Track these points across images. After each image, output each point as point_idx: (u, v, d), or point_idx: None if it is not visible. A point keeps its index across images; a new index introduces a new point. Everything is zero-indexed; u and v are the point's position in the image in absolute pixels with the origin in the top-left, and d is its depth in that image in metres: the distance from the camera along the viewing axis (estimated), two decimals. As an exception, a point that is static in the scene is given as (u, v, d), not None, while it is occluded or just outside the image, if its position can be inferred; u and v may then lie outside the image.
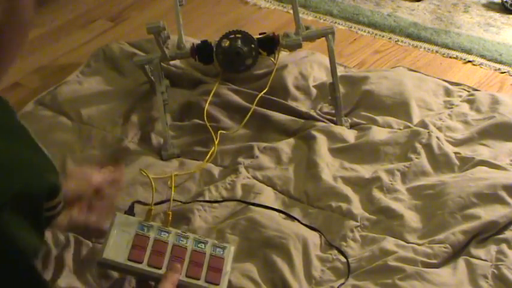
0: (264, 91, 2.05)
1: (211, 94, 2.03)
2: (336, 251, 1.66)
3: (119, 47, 2.32)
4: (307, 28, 2.01)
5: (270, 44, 1.98)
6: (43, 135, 1.99)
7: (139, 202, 1.64)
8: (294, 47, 1.98)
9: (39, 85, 2.26)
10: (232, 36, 1.93)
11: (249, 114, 1.98)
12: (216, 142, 1.93)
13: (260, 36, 1.99)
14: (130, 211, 1.58)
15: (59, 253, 1.67)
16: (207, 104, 2.01)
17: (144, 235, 1.49)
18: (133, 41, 2.36)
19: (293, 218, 1.72)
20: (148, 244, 1.47)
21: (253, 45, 1.94)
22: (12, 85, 2.29)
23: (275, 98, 2.08)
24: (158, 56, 1.98)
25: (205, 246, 1.51)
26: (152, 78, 2.05)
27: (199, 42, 2.00)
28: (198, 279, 1.44)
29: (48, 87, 2.20)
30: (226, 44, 1.94)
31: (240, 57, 1.94)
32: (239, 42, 1.93)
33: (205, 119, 1.97)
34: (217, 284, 1.45)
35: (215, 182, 1.84)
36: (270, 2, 2.69)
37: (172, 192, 1.67)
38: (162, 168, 1.87)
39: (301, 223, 1.70)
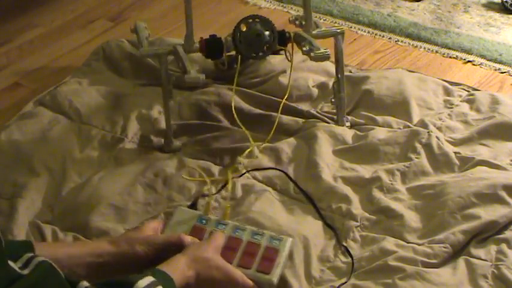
0: (285, 97, 2.03)
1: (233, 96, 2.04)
2: (336, 251, 1.66)
3: (118, 45, 2.32)
4: (316, 26, 2.00)
5: (281, 36, 1.94)
6: (43, 135, 2.00)
7: (203, 195, 1.72)
8: (322, 59, 1.88)
9: (39, 85, 2.26)
10: (251, 20, 1.91)
11: (275, 125, 1.98)
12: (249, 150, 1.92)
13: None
14: (192, 205, 1.68)
15: (59, 253, 1.67)
16: (232, 105, 1.98)
17: (201, 227, 1.57)
18: (132, 39, 2.35)
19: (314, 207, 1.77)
20: (203, 236, 1.55)
21: (272, 29, 1.91)
22: (12, 85, 2.29)
23: (275, 98, 2.09)
24: (167, 49, 1.97)
25: (261, 237, 1.57)
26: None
27: (207, 37, 1.98)
28: (249, 268, 1.49)
29: (48, 87, 2.20)
30: (245, 29, 1.90)
31: (260, 40, 1.89)
32: (258, 25, 1.90)
33: (238, 121, 1.94)
34: (268, 273, 1.49)
35: (215, 182, 1.84)
36: (270, 2, 2.69)
37: (230, 188, 1.73)
38: (162, 168, 1.87)
39: (320, 216, 1.74)
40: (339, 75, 1.99)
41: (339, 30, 1.99)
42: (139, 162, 1.91)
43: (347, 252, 1.64)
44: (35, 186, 1.83)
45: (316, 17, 2.59)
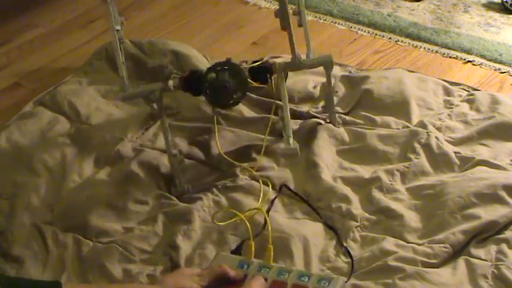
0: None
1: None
2: (336, 251, 1.66)
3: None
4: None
5: (262, 72, 1.87)
6: (43, 135, 2.00)
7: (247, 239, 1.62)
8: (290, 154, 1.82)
9: (39, 85, 2.27)
10: (219, 68, 1.81)
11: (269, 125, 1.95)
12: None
13: (253, 64, 1.89)
14: (237, 250, 1.61)
15: (59, 253, 1.67)
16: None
17: (242, 272, 1.50)
18: (135, 39, 2.35)
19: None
20: (245, 281, 1.47)
21: (242, 77, 1.81)
22: (12, 85, 2.29)
23: (272, 100, 2.09)
24: (158, 87, 1.87)
25: (308, 279, 1.49)
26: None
27: (187, 73, 1.89)
28: None
29: (48, 87, 2.20)
30: (213, 77, 1.81)
31: (227, 91, 1.80)
32: (226, 74, 1.80)
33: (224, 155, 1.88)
34: None
35: (215, 183, 1.84)
36: (270, 2, 2.69)
37: (269, 226, 1.63)
38: (163, 167, 1.87)
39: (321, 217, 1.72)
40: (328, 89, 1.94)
41: (327, 59, 1.91)
42: (138, 160, 1.91)
43: (347, 253, 1.64)
44: (35, 186, 1.83)
45: (316, 17, 2.60)
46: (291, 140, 1.78)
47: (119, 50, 1.87)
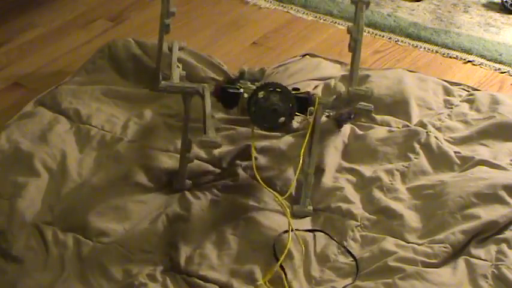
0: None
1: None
2: (336, 251, 1.66)
3: (124, 45, 2.31)
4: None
5: (304, 103, 1.81)
6: (43, 135, 1.99)
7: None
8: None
9: (39, 85, 2.26)
10: (271, 89, 1.75)
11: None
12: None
13: (295, 92, 1.83)
14: None
15: (59, 253, 1.67)
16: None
17: None
18: (139, 39, 2.34)
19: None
20: None
21: (292, 104, 1.75)
22: (12, 85, 2.29)
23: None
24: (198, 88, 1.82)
25: None
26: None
27: (225, 83, 1.86)
28: None
29: (48, 88, 2.20)
30: (262, 96, 1.75)
31: (276, 115, 1.74)
32: (278, 97, 1.74)
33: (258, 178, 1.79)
34: None
35: (215, 182, 1.84)
36: (270, 2, 2.69)
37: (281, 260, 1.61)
38: (163, 167, 1.87)
39: (327, 234, 1.70)
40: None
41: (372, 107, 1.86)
42: (138, 158, 1.91)
43: (350, 255, 1.64)
44: (35, 186, 1.83)
45: (316, 17, 2.60)
46: (308, 201, 1.76)
47: (162, 41, 1.87)
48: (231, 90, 1.84)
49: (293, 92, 1.80)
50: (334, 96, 1.84)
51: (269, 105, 1.74)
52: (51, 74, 2.34)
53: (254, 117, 1.76)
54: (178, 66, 1.92)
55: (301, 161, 1.75)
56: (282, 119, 1.75)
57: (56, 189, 1.84)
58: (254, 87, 1.80)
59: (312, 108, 1.81)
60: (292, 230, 1.65)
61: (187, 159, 1.82)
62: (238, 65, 2.22)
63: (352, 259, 1.64)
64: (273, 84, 1.76)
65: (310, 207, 1.76)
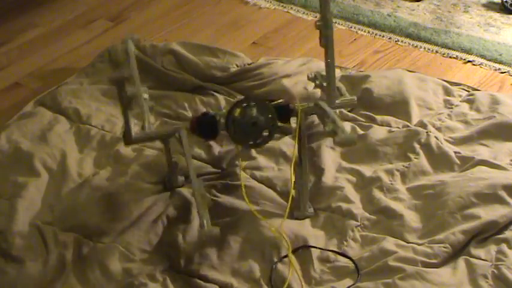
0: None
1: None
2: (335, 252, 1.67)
3: (123, 49, 2.31)
4: (340, 93, 1.81)
5: (284, 112, 1.73)
6: (43, 135, 2.00)
7: None
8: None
9: (39, 85, 2.27)
10: (246, 104, 1.68)
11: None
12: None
13: (273, 103, 1.73)
14: None
15: (59, 253, 1.67)
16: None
17: None
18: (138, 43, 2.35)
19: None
20: None
21: (271, 114, 1.68)
22: (12, 85, 2.29)
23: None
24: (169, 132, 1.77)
25: None
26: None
27: (199, 115, 1.74)
28: None
29: (48, 87, 2.20)
30: (238, 114, 1.67)
31: (257, 129, 1.67)
32: (255, 111, 1.67)
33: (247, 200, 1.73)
34: None
35: (214, 182, 1.84)
36: (270, 2, 2.69)
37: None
38: (163, 167, 1.87)
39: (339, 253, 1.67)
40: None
41: (355, 98, 1.86)
42: (138, 160, 1.91)
43: (352, 262, 1.63)
44: (35, 186, 1.83)
45: (316, 17, 2.59)
46: (307, 206, 1.73)
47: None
48: (207, 120, 1.72)
49: (273, 103, 1.72)
50: (314, 103, 1.76)
51: (248, 120, 1.66)
52: (51, 74, 2.34)
53: (236, 137, 1.68)
54: (145, 99, 1.80)
55: (293, 178, 1.70)
56: (266, 132, 1.68)
57: (56, 189, 1.84)
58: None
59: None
60: (286, 256, 1.63)
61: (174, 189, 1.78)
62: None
63: (353, 258, 1.64)
64: (247, 99, 1.69)
65: (311, 209, 1.75)
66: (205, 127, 1.72)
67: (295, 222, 1.72)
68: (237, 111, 1.66)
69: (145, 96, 1.77)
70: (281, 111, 1.71)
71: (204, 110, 2.06)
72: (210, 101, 2.11)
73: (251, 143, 1.70)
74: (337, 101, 1.84)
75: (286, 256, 1.63)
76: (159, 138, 1.78)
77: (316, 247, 1.66)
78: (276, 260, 1.63)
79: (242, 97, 1.71)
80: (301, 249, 1.66)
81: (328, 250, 1.66)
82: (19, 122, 2.05)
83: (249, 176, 1.86)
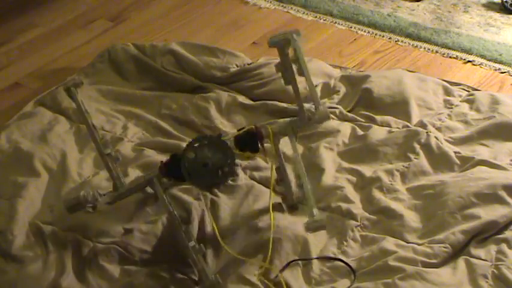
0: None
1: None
2: (336, 252, 1.66)
3: (123, 48, 2.31)
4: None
5: (251, 140, 1.64)
6: (43, 135, 2.00)
7: None
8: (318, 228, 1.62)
9: (39, 85, 2.27)
10: (197, 144, 1.60)
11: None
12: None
13: (239, 132, 1.66)
14: None
15: (59, 253, 1.67)
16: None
17: None
18: (138, 43, 2.34)
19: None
20: None
21: (225, 149, 1.60)
22: (12, 85, 2.30)
23: (274, 102, 2.09)
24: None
25: None
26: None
27: (168, 158, 1.65)
28: None
29: (48, 87, 2.20)
30: (192, 156, 1.59)
31: (209, 169, 1.59)
32: (205, 150, 1.59)
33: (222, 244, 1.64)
34: None
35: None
36: (270, 2, 2.69)
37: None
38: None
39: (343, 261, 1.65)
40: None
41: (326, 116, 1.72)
42: (138, 160, 1.91)
43: (350, 268, 1.63)
44: (35, 186, 1.83)
45: (316, 17, 2.60)
46: (315, 211, 1.59)
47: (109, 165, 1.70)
48: (174, 163, 1.63)
49: (236, 133, 1.65)
50: (288, 120, 1.69)
51: (199, 161, 1.58)
52: (51, 74, 2.34)
53: (193, 181, 1.60)
54: (118, 158, 1.70)
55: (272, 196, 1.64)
56: (225, 169, 1.60)
57: (56, 189, 1.84)
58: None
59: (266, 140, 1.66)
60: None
61: (196, 251, 1.61)
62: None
63: (352, 258, 1.64)
64: (199, 139, 1.61)
65: (320, 217, 1.60)
66: (174, 171, 1.63)
67: (295, 222, 1.72)
68: (191, 154, 1.59)
69: (108, 151, 1.69)
70: (246, 139, 1.63)
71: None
72: (210, 98, 2.11)
73: (210, 185, 1.64)
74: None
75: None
76: (133, 193, 1.70)
77: (303, 259, 1.64)
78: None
79: (196, 136, 1.63)
80: (292, 263, 1.62)
81: (317, 258, 1.64)
82: (19, 122, 2.05)
83: (247, 176, 1.86)
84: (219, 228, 1.68)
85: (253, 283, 1.58)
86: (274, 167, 1.69)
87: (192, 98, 2.12)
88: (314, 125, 1.73)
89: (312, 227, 1.59)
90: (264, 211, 1.74)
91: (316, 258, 1.64)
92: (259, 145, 1.64)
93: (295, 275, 1.59)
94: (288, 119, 1.70)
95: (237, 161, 1.88)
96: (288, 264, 1.62)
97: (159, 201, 1.67)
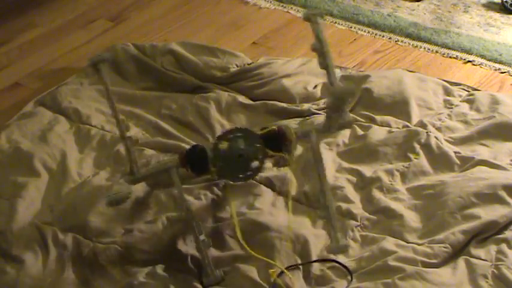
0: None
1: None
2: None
3: (123, 48, 2.31)
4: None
5: (275, 140, 1.64)
6: (43, 135, 2.00)
7: None
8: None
9: (39, 85, 2.27)
10: (231, 135, 1.61)
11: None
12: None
13: (263, 131, 1.66)
14: None
15: (59, 253, 1.67)
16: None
17: None
18: (138, 43, 2.34)
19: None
20: None
21: (258, 144, 1.60)
22: (12, 85, 2.30)
23: (274, 102, 2.09)
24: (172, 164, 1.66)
25: None
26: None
27: (190, 147, 1.66)
28: None
29: (48, 87, 2.20)
30: (225, 147, 1.61)
31: (244, 161, 1.59)
32: (240, 142, 1.60)
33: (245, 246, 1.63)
34: None
35: (217, 181, 1.84)
36: (270, 2, 2.69)
37: None
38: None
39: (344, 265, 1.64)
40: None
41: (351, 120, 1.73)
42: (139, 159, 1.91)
43: (346, 269, 1.63)
44: (35, 186, 1.83)
45: (316, 17, 2.59)
46: (340, 235, 1.58)
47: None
48: (196, 154, 1.63)
49: (260, 132, 1.65)
50: (310, 123, 1.72)
51: (233, 152, 1.59)
52: (51, 74, 2.34)
53: (222, 172, 1.60)
54: (138, 140, 1.75)
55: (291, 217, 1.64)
56: (256, 163, 1.60)
57: (56, 189, 1.84)
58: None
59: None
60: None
61: (205, 244, 1.62)
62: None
63: (352, 258, 1.64)
64: (232, 130, 1.62)
65: (344, 241, 1.62)
66: (195, 162, 1.63)
67: (295, 221, 1.72)
68: (223, 145, 1.60)
69: (128, 134, 1.71)
70: (271, 138, 1.63)
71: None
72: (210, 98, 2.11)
73: (240, 176, 1.62)
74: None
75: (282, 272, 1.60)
76: (148, 179, 1.70)
77: (301, 264, 1.63)
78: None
79: (230, 128, 1.63)
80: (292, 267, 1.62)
81: (313, 262, 1.64)
82: (19, 122, 2.05)
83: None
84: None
85: (257, 282, 1.58)
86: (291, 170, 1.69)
87: (192, 98, 2.12)
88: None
89: (335, 252, 1.61)
90: (264, 209, 1.74)
91: (310, 262, 1.63)
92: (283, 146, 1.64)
93: (296, 275, 1.59)
94: (309, 121, 1.74)
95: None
96: (281, 273, 1.61)
97: (171, 188, 1.67)
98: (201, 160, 1.61)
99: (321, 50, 1.67)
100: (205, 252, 1.59)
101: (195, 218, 1.61)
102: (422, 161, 1.87)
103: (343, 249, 1.60)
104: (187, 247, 1.66)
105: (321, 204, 1.61)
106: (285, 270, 1.59)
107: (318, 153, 1.64)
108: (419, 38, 2.45)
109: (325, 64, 1.66)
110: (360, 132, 1.98)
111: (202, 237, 1.60)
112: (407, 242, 1.66)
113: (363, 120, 2.03)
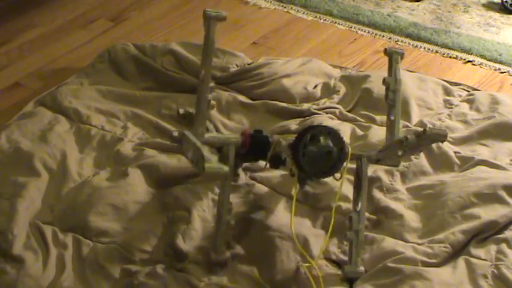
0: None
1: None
2: (336, 251, 1.66)
3: (123, 48, 2.31)
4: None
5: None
6: (43, 135, 2.00)
7: None
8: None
9: (39, 85, 2.27)
10: (319, 131, 1.60)
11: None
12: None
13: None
14: None
15: (59, 253, 1.67)
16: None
17: None
18: (138, 43, 2.35)
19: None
20: None
21: (343, 145, 1.61)
22: (12, 85, 2.29)
23: (276, 102, 2.09)
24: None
25: None
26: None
27: (253, 131, 1.68)
28: None
29: (48, 87, 2.20)
30: (311, 142, 1.58)
31: (329, 159, 1.59)
32: (329, 140, 1.59)
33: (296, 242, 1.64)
34: None
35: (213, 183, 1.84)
36: (270, 2, 2.69)
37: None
38: (162, 167, 1.87)
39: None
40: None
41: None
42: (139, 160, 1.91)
43: (337, 265, 1.63)
44: (35, 186, 1.83)
45: (316, 17, 2.60)
46: (359, 261, 1.61)
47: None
48: (261, 139, 1.67)
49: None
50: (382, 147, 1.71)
51: (323, 148, 1.58)
52: (51, 74, 2.34)
53: (305, 163, 1.57)
54: (213, 107, 1.76)
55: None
56: (338, 164, 1.61)
57: (56, 189, 1.84)
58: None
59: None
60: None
61: (228, 226, 1.64)
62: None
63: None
64: (320, 127, 1.62)
65: (362, 268, 1.61)
66: (258, 146, 1.67)
67: (295, 221, 1.71)
68: (311, 138, 1.58)
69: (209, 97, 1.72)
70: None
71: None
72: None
73: (319, 173, 1.63)
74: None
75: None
76: (216, 145, 1.71)
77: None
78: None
79: (313, 124, 1.67)
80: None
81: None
82: (19, 122, 2.05)
83: (248, 176, 1.86)
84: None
85: (257, 281, 1.59)
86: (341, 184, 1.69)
87: (192, 98, 2.12)
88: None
89: (351, 275, 1.61)
90: (264, 210, 1.74)
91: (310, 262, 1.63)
92: None
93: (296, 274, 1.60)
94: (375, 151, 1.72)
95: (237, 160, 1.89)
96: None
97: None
98: (264, 145, 1.65)
99: (394, 88, 1.78)
100: (224, 233, 1.60)
101: (229, 200, 1.63)
102: (422, 160, 1.87)
103: (359, 275, 1.61)
104: (188, 247, 1.66)
105: (351, 227, 1.63)
106: (314, 265, 1.59)
107: (365, 179, 1.68)
108: (419, 38, 2.45)
109: (392, 102, 1.77)
110: (360, 132, 1.99)
111: (228, 217, 1.62)
112: (407, 242, 1.66)
113: (362, 120, 2.03)
